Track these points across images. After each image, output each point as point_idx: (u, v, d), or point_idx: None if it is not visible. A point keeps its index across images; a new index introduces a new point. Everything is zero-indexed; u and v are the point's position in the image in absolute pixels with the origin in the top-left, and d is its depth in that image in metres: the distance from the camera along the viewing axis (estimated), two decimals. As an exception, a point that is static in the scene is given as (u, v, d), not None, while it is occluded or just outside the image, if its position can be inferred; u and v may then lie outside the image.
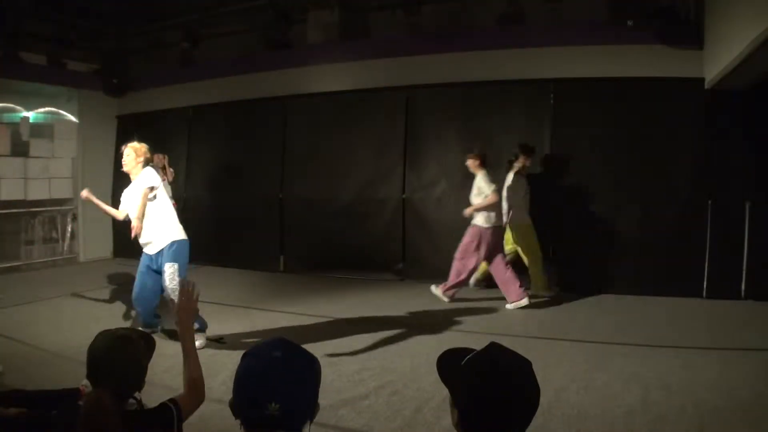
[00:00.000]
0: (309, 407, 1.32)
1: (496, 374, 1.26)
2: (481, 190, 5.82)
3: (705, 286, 6.10)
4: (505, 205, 6.10)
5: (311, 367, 1.36)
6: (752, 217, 5.94)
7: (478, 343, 1.38)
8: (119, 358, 1.80)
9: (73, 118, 9.08)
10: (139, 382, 1.87)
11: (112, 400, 1.65)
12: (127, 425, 1.66)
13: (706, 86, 5.93)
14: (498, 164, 6.92)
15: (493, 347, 1.33)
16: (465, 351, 1.34)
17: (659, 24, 5.97)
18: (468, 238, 5.93)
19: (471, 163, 5.96)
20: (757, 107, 5.83)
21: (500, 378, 1.25)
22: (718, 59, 5.29)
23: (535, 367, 1.31)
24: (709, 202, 6.08)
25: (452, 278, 6.04)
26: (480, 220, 5.86)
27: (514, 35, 6.79)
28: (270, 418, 1.22)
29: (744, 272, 5.98)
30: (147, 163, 4.67)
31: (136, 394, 1.86)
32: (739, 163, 6.00)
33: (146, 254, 4.69)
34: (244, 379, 1.30)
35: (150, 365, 1.95)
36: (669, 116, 6.29)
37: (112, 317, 5.36)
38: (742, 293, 5.99)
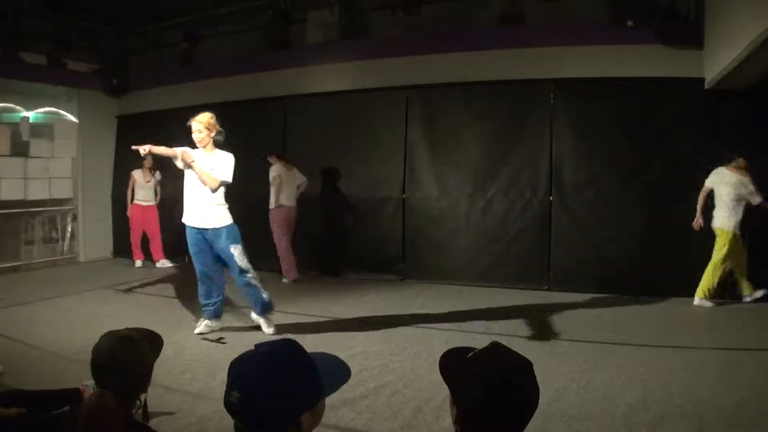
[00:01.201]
0: (281, 409, 1.25)
1: (498, 374, 1.26)
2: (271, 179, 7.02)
3: (705, 286, 6.10)
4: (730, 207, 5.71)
5: (297, 372, 1.30)
6: (752, 217, 5.93)
7: (478, 343, 1.38)
8: (122, 358, 1.81)
9: (73, 118, 9.07)
10: (143, 382, 1.88)
11: (115, 400, 1.66)
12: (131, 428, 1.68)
13: (706, 86, 5.93)
14: (498, 163, 6.94)
15: (495, 347, 1.34)
16: (467, 350, 1.34)
17: (659, 24, 5.98)
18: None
19: (271, 159, 7.18)
20: (757, 107, 5.82)
21: (501, 377, 1.26)
22: (718, 59, 5.29)
23: (535, 367, 1.32)
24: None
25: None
26: (270, 203, 7.01)
27: (514, 35, 6.79)
28: (232, 406, 1.23)
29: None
30: (218, 134, 4.79)
31: (142, 396, 1.87)
32: (739, 163, 5.99)
33: (193, 229, 4.75)
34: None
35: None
36: (669, 116, 6.28)
37: (113, 317, 5.36)
38: (742, 293, 5.98)
